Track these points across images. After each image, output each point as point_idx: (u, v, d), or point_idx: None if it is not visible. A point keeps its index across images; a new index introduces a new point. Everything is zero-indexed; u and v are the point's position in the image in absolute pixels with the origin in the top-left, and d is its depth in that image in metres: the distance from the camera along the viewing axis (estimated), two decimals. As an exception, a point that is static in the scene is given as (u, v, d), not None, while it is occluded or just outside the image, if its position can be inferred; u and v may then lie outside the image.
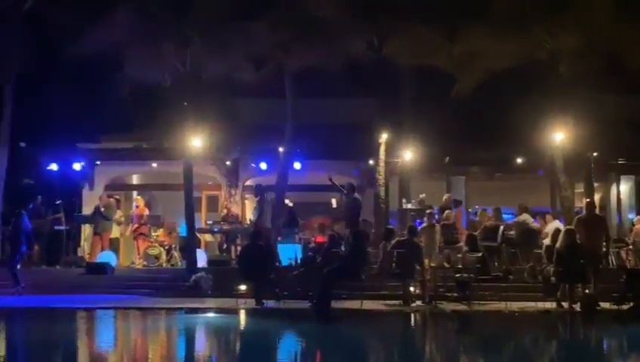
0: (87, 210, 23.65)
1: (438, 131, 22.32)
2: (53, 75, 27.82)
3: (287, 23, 20.19)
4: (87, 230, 23.23)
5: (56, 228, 22.45)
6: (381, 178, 21.60)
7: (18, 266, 19.47)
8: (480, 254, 17.44)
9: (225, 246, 22.93)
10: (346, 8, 19.92)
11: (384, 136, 21.59)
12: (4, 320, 16.14)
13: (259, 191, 20.99)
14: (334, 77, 22.23)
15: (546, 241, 17.89)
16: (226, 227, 22.49)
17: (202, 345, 13.20)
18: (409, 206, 21.81)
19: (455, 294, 17.35)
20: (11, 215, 20.26)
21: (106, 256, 21.51)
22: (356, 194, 19.73)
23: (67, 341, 13.19)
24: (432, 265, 17.71)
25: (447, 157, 23.37)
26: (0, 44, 23.34)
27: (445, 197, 21.76)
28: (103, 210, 22.36)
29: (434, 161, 23.03)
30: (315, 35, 20.03)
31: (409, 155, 22.35)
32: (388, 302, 17.08)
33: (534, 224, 19.49)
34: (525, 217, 19.45)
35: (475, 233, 18.74)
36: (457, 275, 17.41)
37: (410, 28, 20.29)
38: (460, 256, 18.04)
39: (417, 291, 17.37)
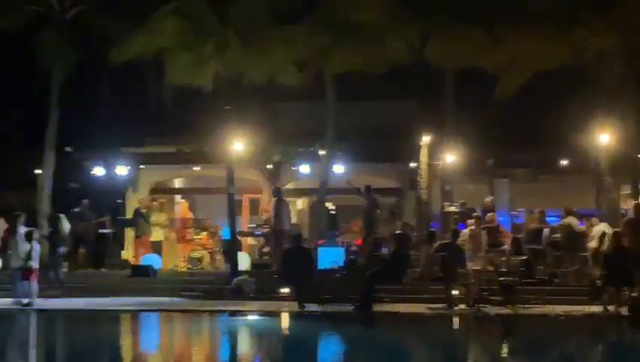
0: (131, 213, 23.89)
1: (481, 133, 22.13)
2: (98, 81, 28.21)
3: (328, 26, 20.21)
4: (131, 233, 23.47)
5: (101, 231, 22.74)
6: (423, 181, 21.47)
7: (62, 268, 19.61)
8: (524, 257, 17.25)
9: (266, 249, 23.01)
10: (388, 10, 19.86)
11: (426, 139, 21.46)
12: (51, 321, 16.41)
13: (276, 192, 20.85)
14: (376, 79, 22.16)
15: (592, 244, 17.63)
16: (267, 230, 22.56)
17: (245, 347, 13.25)
18: (451, 209, 21.65)
19: (499, 298, 17.18)
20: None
21: (150, 259, 21.72)
22: (372, 196, 19.71)
23: (112, 343, 13.33)
24: (476, 268, 17.55)
25: (490, 160, 23.15)
26: (46, 49, 23.77)
27: (488, 200, 21.58)
28: (143, 212, 22.59)
29: (477, 164, 22.83)
30: (357, 37, 20.01)
31: (451, 158, 22.18)
32: (431, 305, 16.96)
33: (580, 227, 19.20)
34: (571, 220, 19.19)
35: (520, 236, 18.54)
36: (501, 278, 17.24)
37: (452, 29, 20.15)
38: (503, 259, 17.87)
39: (461, 294, 17.21)
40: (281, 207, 20.26)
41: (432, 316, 16.32)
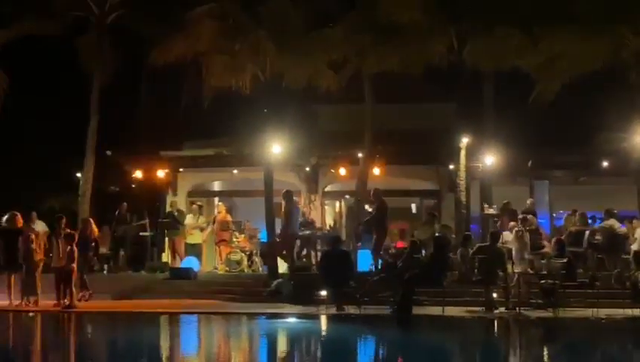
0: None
1: (521, 134, 21.93)
2: (137, 84, 28.50)
3: (366, 28, 20.19)
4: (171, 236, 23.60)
5: (140, 234, 22.94)
6: (462, 183, 21.32)
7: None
8: (565, 260, 17.05)
9: (304, 252, 23.02)
10: (426, 11, 19.78)
11: (465, 141, 21.31)
12: (92, 323, 16.58)
13: (287, 196, 20.68)
14: (414, 81, 22.09)
15: (634, 247, 17.35)
16: (305, 232, 22.57)
17: (284, 350, 13.24)
18: (491, 211, 21.48)
19: (540, 301, 16.99)
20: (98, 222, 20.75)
21: (189, 262, 21.85)
22: (383, 200, 19.60)
23: (151, 345, 13.44)
24: (516, 270, 17.38)
25: (530, 161, 22.94)
26: (85, 55, 24.09)
27: (528, 202, 21.38)
28: (176, 214, 22.75)
29: (516, 165, 22.62)
30: (395, 39, 19.95)
31: (490, 159, 22.02)
32: (470, 308, 16.84)
33: (621, 229, 18.92)
34: (612, 222, 18.89)
35: (563, 238, 18.31)
36: (542, 281, 17.05)
37: (490, 30, 20.01)
38: (544, 261, 17.68)
39: (500, 297, 17.05)
40: (292, 212, 19.95)
41: (471, 319, 16.19)
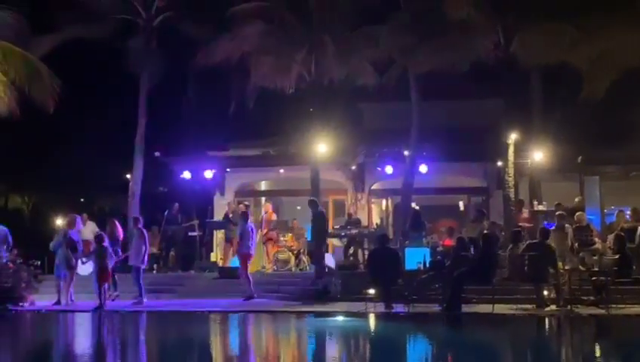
0: (218, 216, 24.25)
1: (570, 130, 21.64)
2: (184, 86, 28.76)
3: (411, 26, 20.10)
4: (219, 236, 23.81)
5: (190, 234, 23.15)
6: (510, 179, 21.09)
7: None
8: (617, 256, 16.76)
9: (351, 250, 23.01)
10: (473, 8, 19.61)
11: (513, 137, 21.08)
12: (143, 323, 16.78)
13: (243, 217, 19.90)
14: (460, 78, 21.93)
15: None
16: (353, 231, 22.57)
17: (334, 348, 13.23)
18: (540, 207, 21.21)
19: (591, 298, 16.73)
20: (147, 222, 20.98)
21: (238, 261, 21.94)
22: (319, 208, 19.43)
23: (202, 343, 13.54)
24: (567, 267, 17.13)
25: (580, 157, 22.58)
26: (133, 57, 24.41)
27: (577, 199, 21.06)
28: (231, 216, 22.89)
29: (566, 161, 22.30)
30: (441, 36, 19.83)
31: (539, 156, 21.75)
32: (521, 306, 16.64)
33: (676, 224, 18.53)
34: (665, 218, 18.54)
35: (622, 234, 17.96)
36: (593, 278, 16.78)
37: (539, 26, 19.78)
38: (595, 258, 17.40)
39: (552, 295, 16.82)
40: (245, 232, 19.33)
41: (522, 317, 15.99)
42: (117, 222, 20.05)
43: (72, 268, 18.57)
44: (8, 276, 17.49)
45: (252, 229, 19.49)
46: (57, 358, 12.18)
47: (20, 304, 17.61)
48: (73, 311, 17.82)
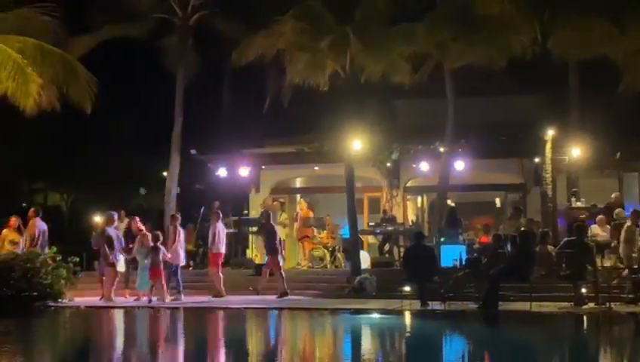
0: (253, 213, 24.34)
1: (608, 125, 21.35)
2: (220, 84, 28.94)
3: (447, 21, 19.98)
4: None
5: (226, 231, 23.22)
6: (548, 176, 20.86)
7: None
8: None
9: (387, 247, 22.98)
10: (508, 4, 19.44)
11: (550, 133, 20.86)
12: (182, 319, 16.92)
13: (215, 217, 19.94)
14: (496, 73, 21.76)
15: None
16: (388, 228, 22.53)
17: (370, 345, 13.22)
18: (578, 204, 20.98)
19: (631, 295, 16.51)
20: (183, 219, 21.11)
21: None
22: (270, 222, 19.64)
23: (238, 339, 13.62)
24: (605, 264, 16.94)
25: (619, 153, 22.29)
26: (169, 56, 24.59)
27: (615, 195, 20.79)
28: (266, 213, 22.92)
29: (604, 157, 22.03)
30: (476, 32, 19.69)
31: (577, 151, 21.51)
32: (558, 303, 16.48)
33: None
34: None
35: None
36: (633, 275, 16.56)
37: (575, 21, 19.55)
38: (634, 255, 17.17)
39: (590, 293, 16.63)
40: (218, 233, 19.39)
41: (560, 314, 15.85)
42: (137, 219, 20.21)
43: (111, 264, 18.78)
44: (47, 272, 17.70)
45: (222, 229, 19.47)
46: (98, 354, 12.31)
47: (59, 300, 17.83)
48: (113, 307, 18.02)
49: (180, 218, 20.00)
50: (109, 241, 18.76)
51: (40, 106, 18.52)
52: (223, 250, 19.69)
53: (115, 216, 19.62)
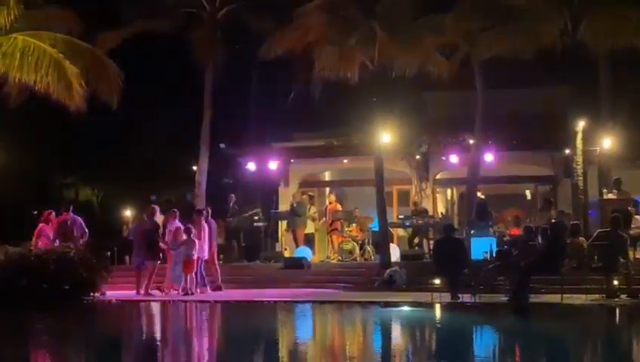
0: (282, 206, 24.40)
1: (640, 116, 21.11)
2: (248, 78, 28.99)
3: (476, 12, 19.86)
4: (284, 226, 23.97)
5: (254, 224, 23.34)
6: (579, 167, 20.69)
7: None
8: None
9: (416, 240, 22.94)
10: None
11: (581, 124, 20.67)
12: (209, 313, 17.03)
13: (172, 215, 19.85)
14: (526, 65, 21.57)
15: None
16: (418, 221, 22.48)
17: (402, 338, 13.21)
18: (610, 196, 20.76)
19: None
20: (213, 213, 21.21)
21: (303, 251, 22.11)
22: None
23: (269, 333, 13.68)
24: (638, 256, 16.77)
25: (651, 143, 22.03)
26: (198, 50, 24.66)
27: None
28: (295, 206, 23.02)
29: (636, 148, 21.78)
30: (505, 23, 19.55)
31: (608, 143, 21.29)
32: (590, 296, 16.35)
33: None
34: None
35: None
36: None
37: (606, 10, 19.33)
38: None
39: (622, 285, 16.47)
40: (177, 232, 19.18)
41: (591, 307, 15.73)
42: (157, 208, 20.29)
43: (154, 257, 18.96)
44: (81, 266, 17.88)
45: (178, 228, 19.42)
46: (132, 347, 12.43)
47: (92, 294, 18.01)
48: (146, 301, 18.17)
49: (206, 212, 20.05)
50: (154, 232, 18.90)
51: (82, 100, 18.68)
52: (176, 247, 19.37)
53: (157, 209, 19.75)
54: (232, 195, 23.64)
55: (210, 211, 20.38)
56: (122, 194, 33.83)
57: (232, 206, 23.39)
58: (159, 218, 19.76)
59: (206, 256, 19.33)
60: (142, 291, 18.71)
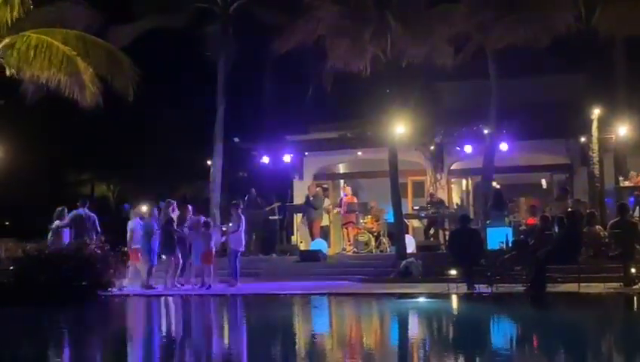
0: (297, 199, 24.42)
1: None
2: (261, 71, 28.96)
3: (488, 1, 19.74)
4: (299, 219, 23.99)
5: (270, 218, 23.36)
6: (595, 155, 20.57)
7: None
8: None
9: (432, 231, 22.89)
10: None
11: (596, 112, 20.53)
12: (227, 306, 17.08)
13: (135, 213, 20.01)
14: (540, 53, 21.44)
15: None
16: (433, 212, 22.42)
17: (419, 330, 13.18)
18: (626, 183, 20.63)
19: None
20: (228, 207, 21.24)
21: (318, 244, 22.12)
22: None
23: (286, 325, 13.70)
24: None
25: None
26: (210, 44, 24.68)
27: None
28: (311, 199, 23.02)
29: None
30: (518, 11, 19.42)
31: (624, 130, 21.14)
32: (608, 284, 16.26)
33: None
34: None
35: None
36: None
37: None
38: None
39: (639, 272, 16.37)
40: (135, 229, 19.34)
41: (609, 295, 15.65)
42: (190, 207, 20.37)
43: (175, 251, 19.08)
44: (97, 262, 17.96)
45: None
46: (145, 341, 12.48)
47: (109, 289, 18.09)
48: (164, 295, 18.25)
49: (241, 205, 20.12)
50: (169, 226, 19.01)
51: (93, 98, 18.73)
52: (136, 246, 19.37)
53: (174, 204, 19.84)
54: (253, 189, 23.64)
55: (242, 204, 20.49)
56: (138, 189, 33.95)
57: (254, 199, 23.41)
58: (176, 213, 19.85)
59: (243, 248, 19.45)
60: (169, 283, 18.92)
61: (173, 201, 19.91)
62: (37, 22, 18.97)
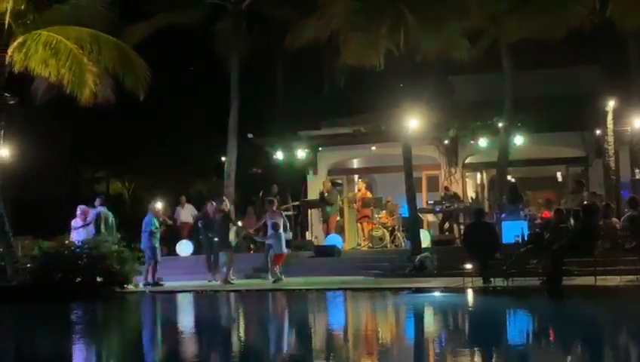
0: (312, 195, 24.41)
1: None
2: (274, 67, 28.98)
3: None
4: (314, 214, 23.99)
5: (285, 213, 23.33)
6: (610, 148, 20.45)
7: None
8: None
9: (447, 225, 22.83)
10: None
11: (611, 104, 20.41)
12: (241, 300, 17.14)
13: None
14: (554, 46, 21.33)
15: None
16: (447, 206, 22.36)
17: (435, 324, 13.16)
18: (642, 176, 20.54)
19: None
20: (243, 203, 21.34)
21: (333, 239, 22.12)
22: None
23: (301, 320, 13.73)
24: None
25: (683, 122, 21.68)
26: (223, 41, 24.72)
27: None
28: (326, 195, 23.01)
29: (668, 127, 21.47)
30: (533, 3, 19.32)
31: (640, 122, 21.01)
32: (624, 277, 16.18)
33: None
34: None
35: None
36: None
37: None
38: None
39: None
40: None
41: (626, 288, 15.57)
42: (214, 204, 20.43)
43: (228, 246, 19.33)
44: (113, 258, 18.05)
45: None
46: (156, 338, 12.54)
47: (125, 286, 18.18)
48: (179, 291, 18.32)
49: (276, 202, 20.20)
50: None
51: (96, 96, 18.80)
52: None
53: (184, 199, 19.93)
54: (275, 185, 23.61)
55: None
56: (152, 186, 34.09)
57: (275, 196, 23.42)
58: (187, 208, 19.95)
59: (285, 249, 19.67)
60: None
61: (183, 197, 20.03)
62: (53, 21, 19.03)
